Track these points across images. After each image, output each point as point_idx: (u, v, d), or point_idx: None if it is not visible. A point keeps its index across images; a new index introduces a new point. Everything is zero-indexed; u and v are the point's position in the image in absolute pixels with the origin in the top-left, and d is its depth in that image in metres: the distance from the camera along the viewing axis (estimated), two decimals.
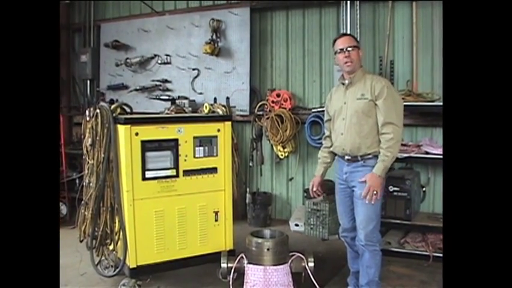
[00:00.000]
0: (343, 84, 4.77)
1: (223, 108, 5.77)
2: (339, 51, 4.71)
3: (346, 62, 4.67)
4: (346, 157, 4.71)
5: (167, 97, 8.73)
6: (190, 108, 7.74)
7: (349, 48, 4.65)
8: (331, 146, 5.04)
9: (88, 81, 10.05)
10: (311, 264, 5.11)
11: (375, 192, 4.50)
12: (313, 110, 7.65)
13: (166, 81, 9.02)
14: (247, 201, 8.05)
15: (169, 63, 9.02)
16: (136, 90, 9.28)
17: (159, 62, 9.09)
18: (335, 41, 4.83)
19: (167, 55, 9.02)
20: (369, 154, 4.58)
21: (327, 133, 5.16)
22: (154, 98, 9.00)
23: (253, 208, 8.04)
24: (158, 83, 9.06)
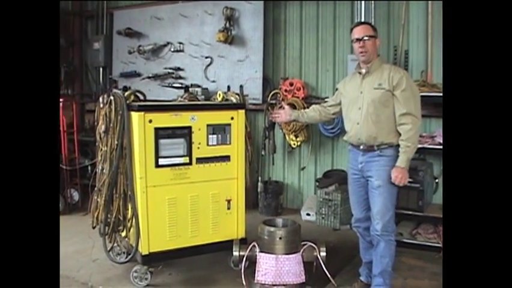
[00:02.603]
0: (359, 73, 4.73)
1: (237, 96, 5.74)
2: (355, 40, 4.67)
3: (361, 52, 4.63)
4: (361, 147, 4.67)
5: (179, 85, 8.73)
6: (203, 96, 7.71)
7: (365, 38, 4.61)
8: (329, 110, 5.16)
9: (101, 69, 10.09)
10: (323, 254, 5.08)
11: (402, 182, 4.49)
12: (326, 100, 7.58)
13: (178, 69, 9.02)
14: (259, 190, 8.05)
15: (182, 51, 9.01)
16: (149, 77, 9.28)
17: (172, 49, 9.09)
18: (352, 29, 4.78)
19: (180, 43, 9.01)
20: (385, 144, 4.55)
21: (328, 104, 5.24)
22: (166, 86, 9.01)
23: (264, 197, 8.03)
24: (170, 71, 9.05)
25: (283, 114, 5.41)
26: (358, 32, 4.67)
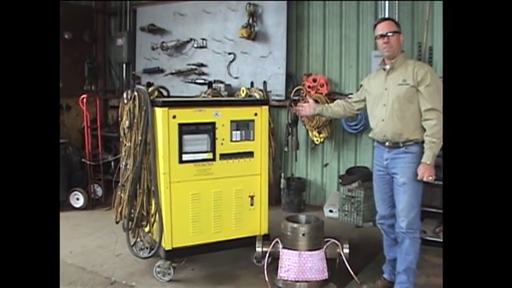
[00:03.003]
0: (384, 69, 4.70)
1: (260, 92, 5.74)
2: (379, 36, 4.64)
3: (385, 48, 4.61)
4: (387, 143, 4.64)
5: (202, 81, 8.78)
6: (226, 93, 7.73)
7: (389, 34, 4.58)
8: (353, 106, 5.13)
9: (124, 65, 10.17)
10: (346, 251, 5.07)
11: (430, 178, 4.45)
12: (349, 96, 7.54)
13: (201, 65, 9.05)
14: (281, 186, 8.03)
15: (205, 47, 9.04)
16: (172, 74, 9.33)
17: (195, 46, 9.13)
18: (375, 26, 4.75)
19: (203, 39, 9.04)
20: (411, 140, 4.51)
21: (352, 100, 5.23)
22: (189, 82, 9.06)
23: (287, 193, 8.02)
24: (193, 67, 9.09)
25: (307, 108, 5.40)
26: (382, 28, 4.64)
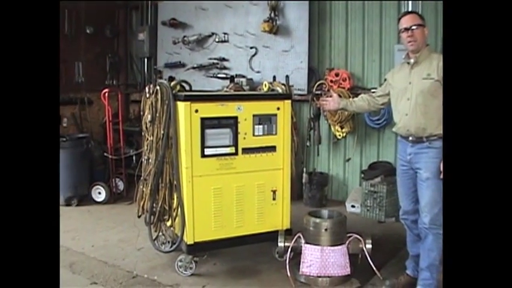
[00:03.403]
0: (408, 63, 4.66)
1: (283, 86, 5.72)
2: (403, 30, 4.60)
3: (409, 42, 4.57)
4: (410, 138, 4.61)
5: (224, 75, 8.78)
6: (247, 87, 7.72)
7: (413, 27, 4.54)
8: (378, 100, 5.12)
9: (146, 59, 10.21)
10: (369, 246, 5.06)
11: None
12: (372, 90, 7.48)
13: (223, 59, 9.05)
14: (303, 181, 8.02)
15: (227, 41, 9.02)
16: (193, 68, 9.34)
17: (216, 40, 9.12)
18: (399, 19, 4.71)
19: (224, 33, 9.02)
20: (434, 135, 4.45)
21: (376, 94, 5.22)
22: (211, 76, 9.06)
23: (309, 188, 8.01)
24: (215, 61, 9.09)
25: (331, 102, 5.40)
26: (406, 21, 4.60)
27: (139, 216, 5.66)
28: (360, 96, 5.42)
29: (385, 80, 5.12)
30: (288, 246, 5.14)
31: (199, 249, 5.29)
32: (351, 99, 5.60)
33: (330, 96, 5.48)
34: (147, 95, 5.34)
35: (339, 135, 8.01)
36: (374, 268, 5.00)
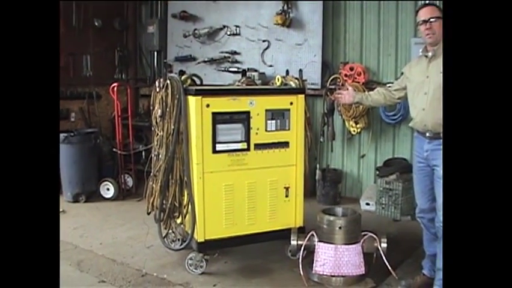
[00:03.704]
0: (426, 56, 4.64)
1: (296, 80, 5.73)
2: (421, 22, 4.57)
3: (428, 34, 4.54)
4: (427, 134, 4.58)
5: (236, 69, 8.78)
6: (260, 81, 7.72)
7: (432, 20, 4.51)
8: (394, 94, 5.10)
9: (155, 53, 10.20)
10: (384, 245, 5.05)
11: None
12: (388, 85, 7.49)
13: (235, 53, 9.04)
14: (316, 177, 8.01)
15: (238, 34, 9.01)
16: (204, 62, 9.35)
17: (228, 33, 9.11)
18: (417, 11, 4.69)
19: (236, 26, 9.01)
20: None
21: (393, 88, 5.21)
22: (222, 70, 9.06)
23: (322, 185, 8.00)
24: (227, 55, 9.09)
25: (346, 96, 5.40)
26: (424, 14, 4.58)
27: (148, 213, 5.69)
28: (376, 89, 5.42)
29: (402, 73, 5.11)
30: (301, 245, 5.13)
31: (209, 247, 5.30)
32: (366, 93, 5.60)
33: (346, 89, 5.47)
34: (157, 89, 5.35)
35: (354, 131, 7.99)
36: (390, 268, 4.99)
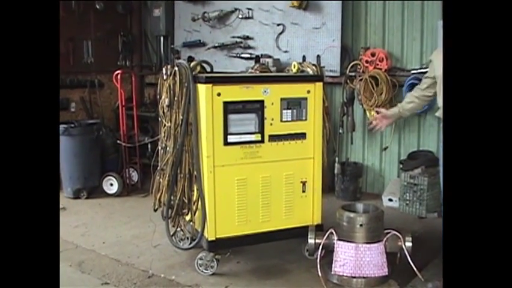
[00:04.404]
0: None
1: (314, 67, 5.71)
2: None
3: None
4: None
5: (248, 55, 8.79)
6: (274, 68, 7.71)
7: None
8: (426, 92, 5.10)
9: (162, 38, 10.22)
10: (409, 244, 5.05)
11: None
12: (412, 72, 7.48)
13: (247, 37, 9.03)
14: (335, 171, 8.02)
15: (251, 17, 9.00)
16: (215, 47, 9.35)
17: (240, 16, 9.09)
18: None
19: (248, 9, 9.00)
20: None
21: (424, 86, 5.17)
22: (234, 56, 9.08)
23: (342, 180, 8.02)
24: (238, 40, 9.08)
25: (383, 120, 5.39)
26: None
27: (155, 210, 5.71)
28: (407, 97, 5.42)
29: (430, 61, 5.10)
30: (319, 243, 5.13)
31: (221, 246, 5.32)
32: (399, 104, 5.60)
33: (376, 113, 5.45)
34: (164, 77, 5.36)
35: None
36: (415, 269, 4.98)
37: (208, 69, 5.75)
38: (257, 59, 7.70)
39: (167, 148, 5.37)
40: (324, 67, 7.75)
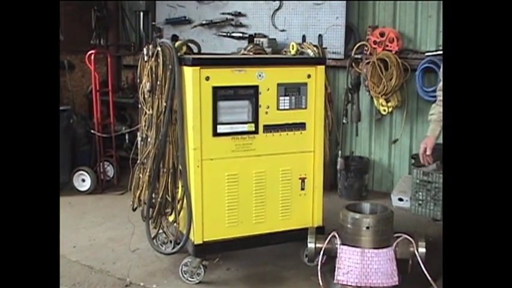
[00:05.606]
0: None
1: (315, 48, 5.72)
2: None
3: None
4: None
5: (241, 34, 8.79)
6: (270, 49, 7.72)
7: None
8: None
9: (141, 14, 10.19)
10: (422, 250, 5.06)
11: None
12: (427, 54, 7.49)
13: (239, 14, 9.03)
14: (338, 167, 8.03)
15: None
16: (202, 25, 9.36)
17: None
18: None
19: None
20: None
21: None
22: (224, 36, 9.07)
23: (345, 176, 8.04)
24: (229, 17, 9.08)
25: (429, 144, 5.39)
26: None
27: (134, 210, 5.73)
28: (432, 109, 5.42)
29: None
30: (320, 248, 5.15)
31: (209, 251, 5.33)
32: (431, 118, 5.58)
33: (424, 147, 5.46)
34: (145, 59, 5.36)
35: (384, 111, 7.97)
36: (429, 278, 4.98)
37: (196, 50, 5.75)
38: (250, 38, 7.71)
39: (148, 139, 5.38)
40: (326, 48, 7.79)
